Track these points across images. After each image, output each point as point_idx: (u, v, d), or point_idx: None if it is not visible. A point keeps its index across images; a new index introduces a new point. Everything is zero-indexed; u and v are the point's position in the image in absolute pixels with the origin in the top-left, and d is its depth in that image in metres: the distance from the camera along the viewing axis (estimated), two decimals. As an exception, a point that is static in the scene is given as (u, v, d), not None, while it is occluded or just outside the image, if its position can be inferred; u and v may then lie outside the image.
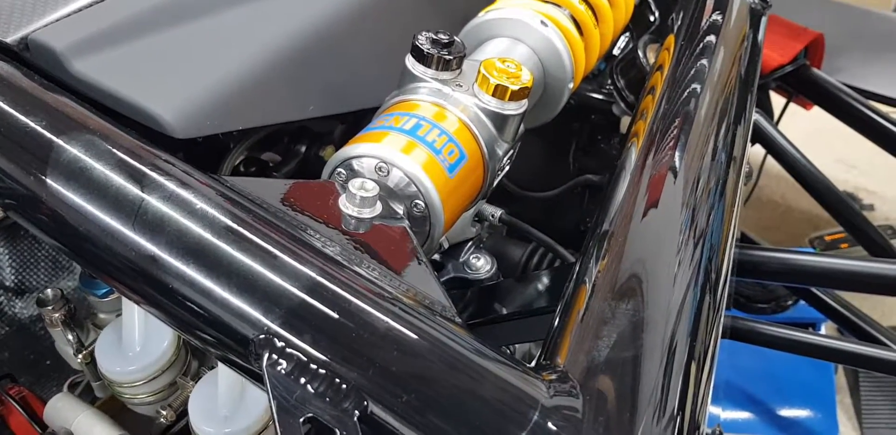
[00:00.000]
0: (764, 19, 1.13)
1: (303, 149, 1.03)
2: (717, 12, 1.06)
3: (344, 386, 0.51)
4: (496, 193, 1.30)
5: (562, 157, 1.37)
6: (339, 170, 0.73)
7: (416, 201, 0.71)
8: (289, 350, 0.52)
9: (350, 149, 0.72)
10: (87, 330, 0.94)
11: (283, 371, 0.52)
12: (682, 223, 0.71)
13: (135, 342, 0.81)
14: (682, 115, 0.86)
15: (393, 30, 0.97)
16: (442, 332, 0.54)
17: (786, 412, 1.78)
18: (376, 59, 0.92)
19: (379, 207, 0.67)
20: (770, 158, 2.66)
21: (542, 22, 0.92)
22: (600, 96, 1.28)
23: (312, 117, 0.83)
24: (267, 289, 0.55)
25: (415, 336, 0.53)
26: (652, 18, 1.28)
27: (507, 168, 0.86)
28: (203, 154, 0.88)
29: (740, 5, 1.09)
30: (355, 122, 1.00)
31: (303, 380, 0.52)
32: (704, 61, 0.97)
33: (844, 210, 1.41)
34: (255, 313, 0.54)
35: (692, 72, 0.95)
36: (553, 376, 0.53)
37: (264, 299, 0.54)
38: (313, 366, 0.52)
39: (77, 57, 0.71)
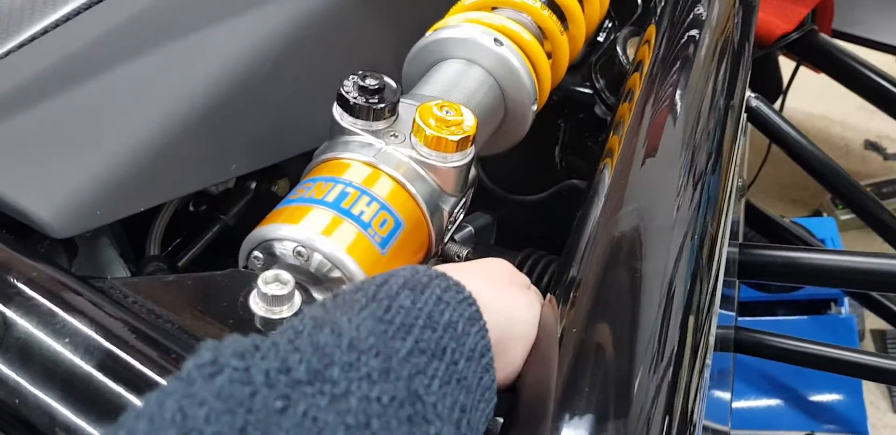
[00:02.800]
0: (755, 7, 1.01)
1: (252, 185, 0.94)
2: (699, 2, 0.94)
3: None
4: (483, 198, 1.21)
5: (548, 156, 1.27)
6: (255, 253, 0.64)
7: (343, 287, 0.62)
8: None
9: (265, 230, 0.63)
10: None
11: None
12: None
13: None
14: (657, 131, 0.76)
15: (335, 54, 0.87)
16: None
17: (812, 397, 1.71)
18: (318, 92, 0.81)
19: (297, 303, 0.58)
20: (791, 102, 2.56)
21: (496, 40, 0.82)
22: (586, 90, 1.18)
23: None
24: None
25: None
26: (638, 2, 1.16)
27: (461, 217, 0.77)
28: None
29: None
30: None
31: None
32: (687, 60, 0.86)
33: (856, 197, 1.30)
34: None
35: (673, 74, 0.84)
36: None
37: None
38: None
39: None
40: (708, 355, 0.58)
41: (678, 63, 0.84)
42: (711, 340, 0.60)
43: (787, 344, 1.11)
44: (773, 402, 1.71)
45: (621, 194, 0.65)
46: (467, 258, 0.80)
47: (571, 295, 0.56)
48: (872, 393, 2.07)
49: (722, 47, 0.90)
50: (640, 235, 0.60)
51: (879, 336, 2.04)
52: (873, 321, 1.97)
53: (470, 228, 0.93)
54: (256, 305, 0.57)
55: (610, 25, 1.18)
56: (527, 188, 1.24)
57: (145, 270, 0.79)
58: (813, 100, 2.44)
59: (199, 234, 0.92)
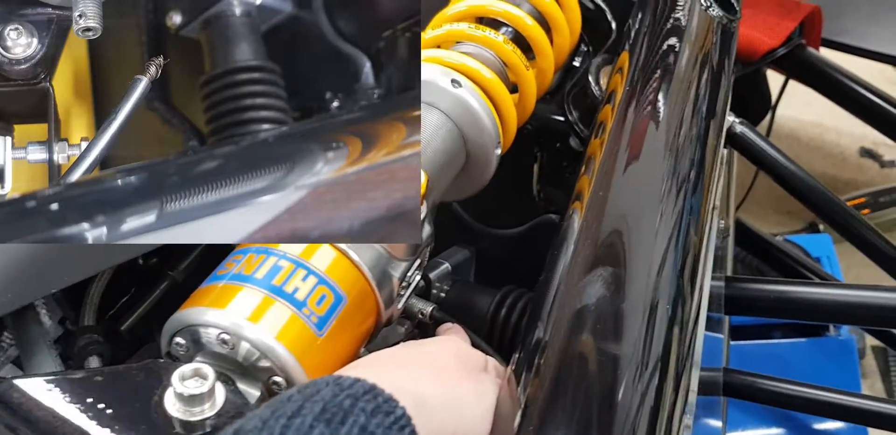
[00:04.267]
0: (734, 33, 0.95)
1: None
2: (674, 32, 0.88)
3: None
4: (461, 231, 1.14)
5: (526, 187, 1.21)
6: (177, 339, 0.58)
7: (274, 378, 0.56)
8: None
9: (188, 314, 0.57)
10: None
11: None
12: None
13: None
14: (632, 173, 0.70)
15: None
16: None
17: (814, 425, 1.60)
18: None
19: (220, 401, 0.51)
20: (782, 110, 2.51)
21: (454, 81, 0.76)
22: (563, 118, 1.11)
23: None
24: None
25: None
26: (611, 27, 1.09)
27: (417, 278, 0.71)
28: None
29: (700, 20, 0.90)
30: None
31: None
32: (662, 92, 0.80)
33: (846, 222, 1.23)
34: None
35: (646, 106, 0.78)
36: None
37: None
38: None
39: None
40: (687, 410, 0.55)
41: (651, 94, 0.79)
42: (692, 396, 0.56)
43: (781, 388, 1.05)
44: (774, 432, 1.63)
45: (590, 255, 0.60)
46: (432, 316, 0.74)
47: (537, 361, 0.52)
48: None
49: (698, 77, 0.84)
50: (610, 300, 0.55)
51: (881, 353, 1.98)
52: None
53: (446, 265, 0.88)
54: (172, 407, 0.51)
55: (586, 50, 1.12)
56: (505, 221, 1.18)
57: (77, 343, 0.73)
58: (804, 107, 2.37)
59: (148, 290, 0.86)
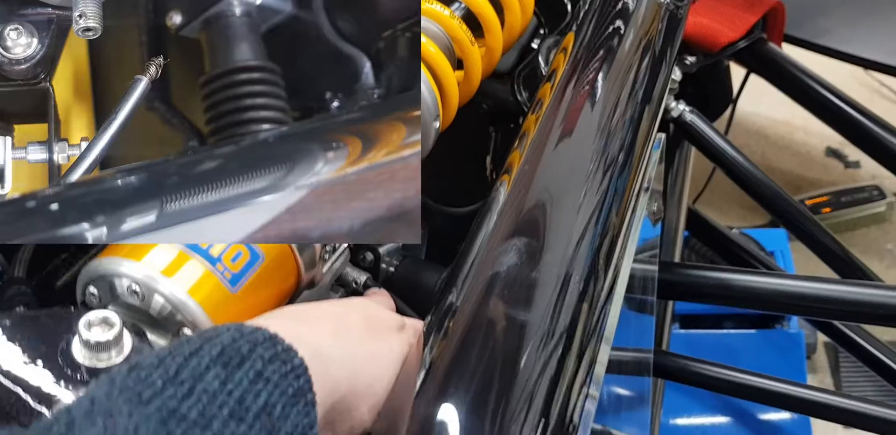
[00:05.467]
0: (682, 20, 0.94)
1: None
2: (621, 14, 0.87)
3: None
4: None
5: (479, 166, 1.21)
6: (91, 289, 0.60)
7: (184, 329, 0.58)
8: None
9: (103, 263, 0.59)
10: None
11: None
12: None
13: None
14: (562, 146, 0.71)
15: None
16: None
17: (758, 415, 1.66)
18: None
19: (127, 348, 0.52)
20: (752, 108, 2.52)
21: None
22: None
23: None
24: None
25: None
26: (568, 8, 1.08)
27: (343, 246, 0.72)
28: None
29: (649, 4, 0.89)
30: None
31: None
32: (601, 70, 0.79)
33: (793, 216, 1.26)
34: None
35: (585, 85, 0.78)
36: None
37: None
38: None
39: None
40: (594, 384, 0.56)
41: (591, 75, 0.79)
42: (600, 368, 0.57)
43: (716, 372, 1.06)
44: (716, 419, 1.67)
45: (511, 226, 0.62)
46: (365, 285, 0.76)
47: (447, 324, 0.53)
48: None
49: (639, 61, 0.84)
50: (523, 269, 0.57)
51: (832, 350, 1.99)
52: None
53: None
54: (79, 353, 0.52)
55: (542, 32, 1.12)
56: (459, 200, 1.18)
57: (4, 294, 0.72)
58: (776, 105, 2.39)
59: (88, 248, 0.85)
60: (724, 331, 1.75)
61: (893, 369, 1.31)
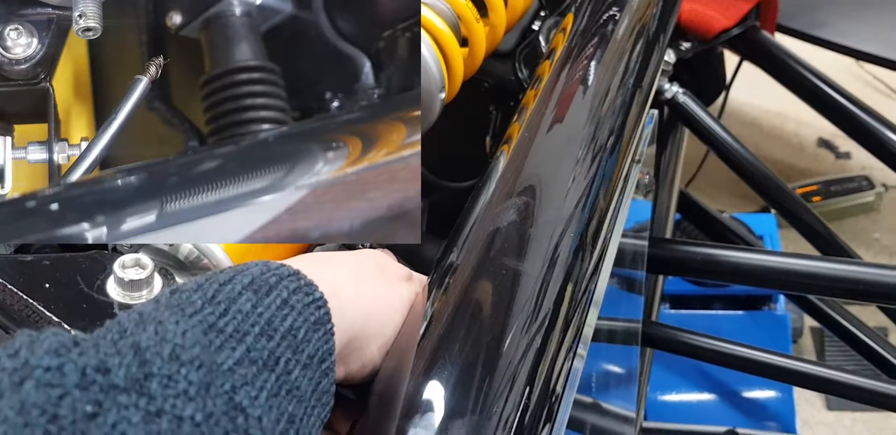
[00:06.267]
0: (676, 4, 0.97)
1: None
2: None
3: None
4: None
5: (480, 143, 1.23)
6: None
7: (185, 282, 0.60)
8: None
9: None
10: None
11: None
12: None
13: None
14: (558, 116, 0.73)
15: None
16: None
17: (742, 393, 1.72)
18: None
19: (158, 288, 0.56)
20: (746, 98, 2.54)
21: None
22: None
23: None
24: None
25: None
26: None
27: None
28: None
29: None
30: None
31: None
32: (598, 47, 0.82)
33: (781, 198, 1.28)
34: None
35: (582, 61, 0.80)
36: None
37: None
38: None
39: None
40: (582, 342, 0.58)
41: (588, 51, 0.82)
42: (588, 330, 0.60)
43: (700, 341, 1.10)
44: (702, 396, 1.72)
45: (512, 181, 0.65)
46: (372, 246, 0.76)
47: (447, 280, 0.55)
48: (808, 390, 2.06)
49: (635, 38, 0.86)
50: (520, 227, 0.60)
51: (818, 334, 2.03)
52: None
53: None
54: (113, 290, 0.55)
55: (543, 14, 1.14)
56: (459, 175, 1.20)
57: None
58: (769, 96, 2.42)
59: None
60: (713, 311, 1.80)
61: (878, 352, 1.35)
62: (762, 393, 1.70)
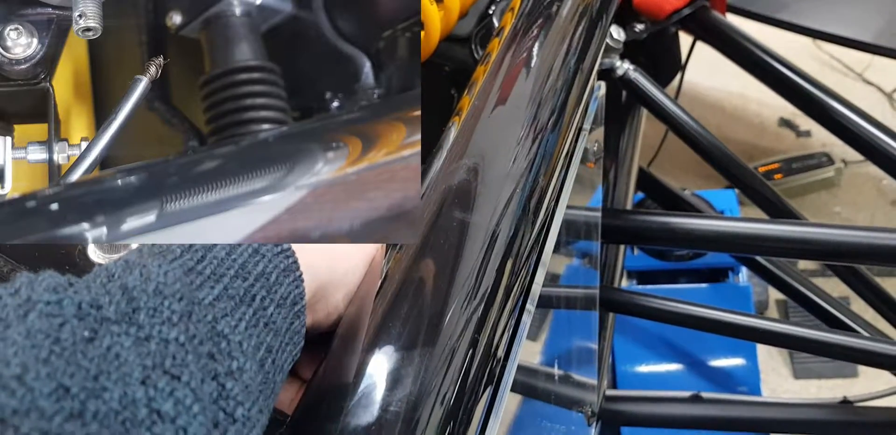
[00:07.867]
0: None
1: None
2: None
3: None
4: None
5: (442, 125, 1.24)
6: None
7: None
8: None
9: None
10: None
11: None
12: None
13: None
14: (505, 90, 0.75)
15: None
16: None
17: (708, 362, 1.78)
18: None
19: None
20: (708, 81, 2.56)
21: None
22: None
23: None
24: None
25: None
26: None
27: None
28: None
29: None
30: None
31: None
32: (544, 24, 0.84)
33: (737, 171, 1.31)
34: None
35: (529, 38, 0.82)
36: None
37: None
38: None
39: None
40: (530, 300, 0.61)
41: (534, 29, 0.83)
42: (536, 288, 0.63)
43: (659, 303, 1.17)
44: (670, 367, 1.77)
45: (462, 148, 0.67)
46: None
47: None
48: (774, 359, 2.13)
49: (575, 27, 0.87)
50: (473, 186, 0.62)
51: (783, 306, 2.14)
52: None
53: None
54: (94, 254, 0.59)
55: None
56: (422, 157, 1.22)
57: None
58: (730, 78, 2.48)
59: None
60: (678, 286, 1.86)
61: (842, 320, 1.42)
62: (728, 361, 1.77)
